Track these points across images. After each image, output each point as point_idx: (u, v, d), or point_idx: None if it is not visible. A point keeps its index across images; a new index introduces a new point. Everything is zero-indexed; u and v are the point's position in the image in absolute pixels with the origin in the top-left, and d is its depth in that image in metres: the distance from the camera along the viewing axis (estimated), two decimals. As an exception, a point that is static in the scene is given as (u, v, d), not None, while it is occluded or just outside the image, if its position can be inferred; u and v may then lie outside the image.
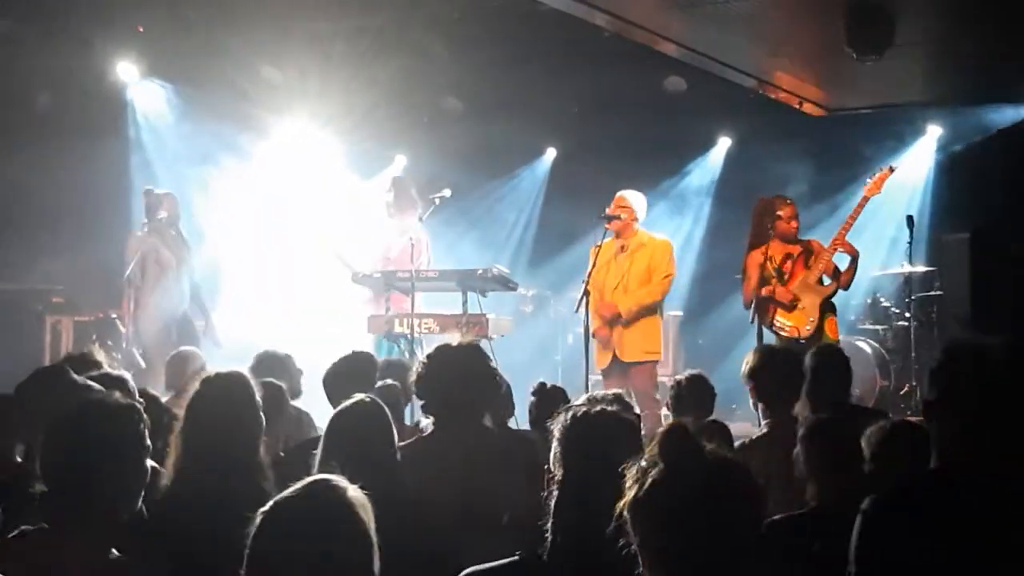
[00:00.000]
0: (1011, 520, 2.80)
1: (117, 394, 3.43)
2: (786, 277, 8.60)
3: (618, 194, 8.98)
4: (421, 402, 4.58)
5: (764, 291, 8.54)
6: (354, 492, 2.44)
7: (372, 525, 2.43)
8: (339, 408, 4.05)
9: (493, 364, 4.54)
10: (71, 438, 3.13)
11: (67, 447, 3.12)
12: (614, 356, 8.78)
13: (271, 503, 2.41)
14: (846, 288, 8.70)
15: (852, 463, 4.09)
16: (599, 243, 8.67)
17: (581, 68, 11.22)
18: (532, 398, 5.57)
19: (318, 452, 3.93)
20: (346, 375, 5.78)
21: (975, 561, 2.77)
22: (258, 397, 4.07)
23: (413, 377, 4.67)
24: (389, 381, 5.57)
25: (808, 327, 8.48)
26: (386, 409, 4.05)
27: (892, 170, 9.01)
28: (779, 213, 8.60)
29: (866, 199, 8.80)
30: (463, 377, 4.39)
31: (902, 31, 8.53)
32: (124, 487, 3.15)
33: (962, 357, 2.99)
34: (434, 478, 4.15)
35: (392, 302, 9.09)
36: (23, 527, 3.09)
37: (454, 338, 4.66)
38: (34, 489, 3.34)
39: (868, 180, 8.87)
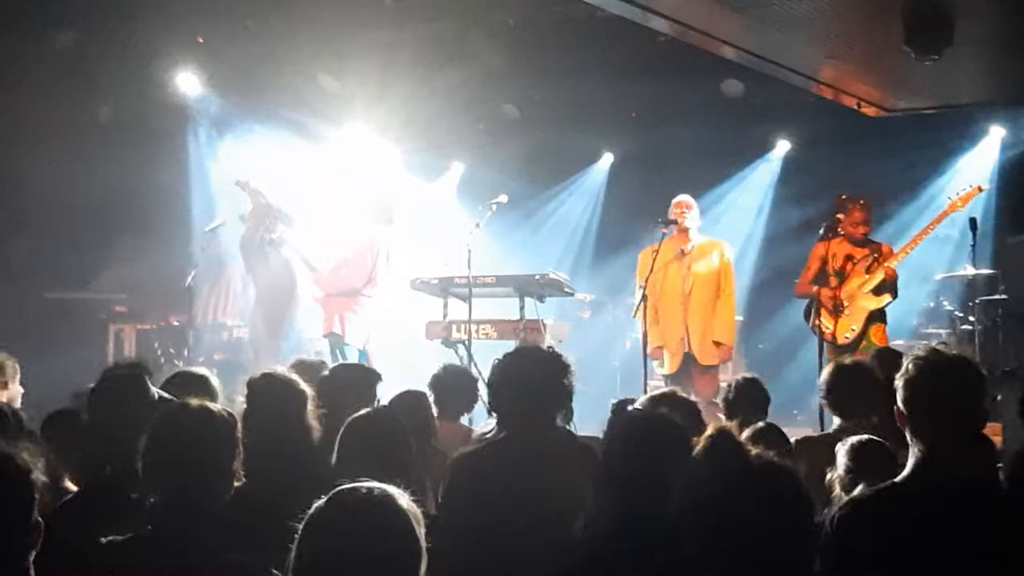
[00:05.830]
0: (975, 529, 2.78)
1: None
2: (845, 278, 8.53)
3: (678, 198, 8.94)
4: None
5: (817, 292, 8.47)
6: (406, 501, 2.43)
7: (422, 534, 2.40)
8: (351, 419, 4.06)
9: (570, 367, 4.43)
10: (176, 442, 3.22)
11: (172, 451, 3.21)
12: (685, 357, 8.76)
13: (323, 501, 2.39)
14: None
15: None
16: (655, 246, 8.63)
17: (638, 73, 11.18)
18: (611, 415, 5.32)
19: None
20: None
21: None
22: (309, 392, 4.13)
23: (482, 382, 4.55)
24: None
25: (847, 335, 8.40)
26: (400, 421, 4.04)
27: (982, 189, 8.92)
28: (842, 214, 8.53)
29: (946, 213, 8.70)
30: (539, 382, 4.30)
31: (962, 30, 8.40)
32: (220, 488, 3.25)
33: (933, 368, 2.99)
34: (508, 483, 4.12)
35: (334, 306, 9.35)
36: (115, 536, 3.12)
37: (528, 344, 4.55)
38: (128, 494, 3.43)
39: (955, 195, 8.74)
